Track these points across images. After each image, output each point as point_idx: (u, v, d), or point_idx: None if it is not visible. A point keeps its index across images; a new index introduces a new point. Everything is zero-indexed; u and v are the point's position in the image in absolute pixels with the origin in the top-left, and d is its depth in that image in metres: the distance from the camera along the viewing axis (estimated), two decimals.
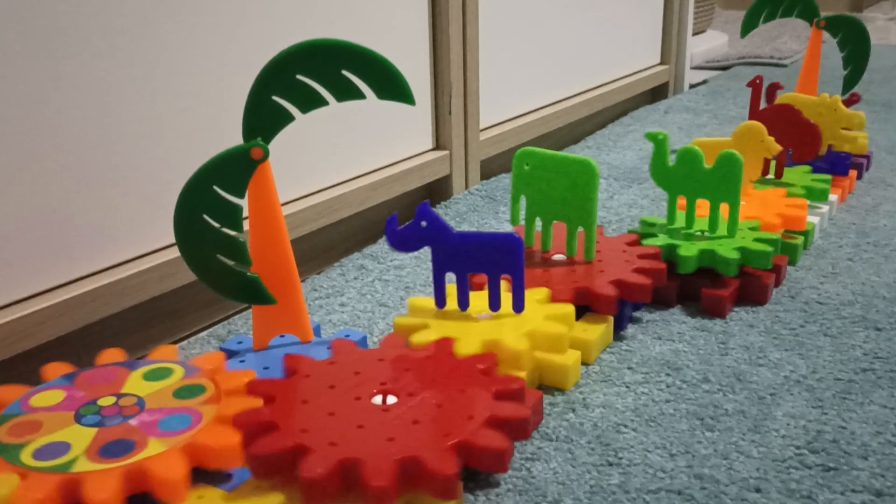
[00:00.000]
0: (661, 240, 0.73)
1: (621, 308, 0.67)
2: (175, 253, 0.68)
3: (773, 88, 1.03)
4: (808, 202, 0.86)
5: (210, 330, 0.71)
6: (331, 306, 0.74)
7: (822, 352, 0.64)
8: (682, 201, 0.84)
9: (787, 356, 0.63)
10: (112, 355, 0.56)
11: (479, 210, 0.98)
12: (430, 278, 0.79)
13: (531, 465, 0.51)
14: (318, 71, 0.53)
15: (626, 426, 0.55)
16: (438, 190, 1.03)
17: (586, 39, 1.35)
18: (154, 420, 0.48)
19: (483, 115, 1.09)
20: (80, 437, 0.46)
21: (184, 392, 0.51)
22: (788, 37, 2.26)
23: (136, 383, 0.52)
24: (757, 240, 0.73)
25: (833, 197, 0.92)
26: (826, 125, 1.00)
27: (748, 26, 1.13)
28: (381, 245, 0.88)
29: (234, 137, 0.54)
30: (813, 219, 0.85)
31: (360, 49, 0.53)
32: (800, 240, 0.80)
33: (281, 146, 0.60)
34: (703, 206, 0.77)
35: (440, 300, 0.62)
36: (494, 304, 0.61)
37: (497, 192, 1.03)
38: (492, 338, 0.57)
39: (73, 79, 0.61)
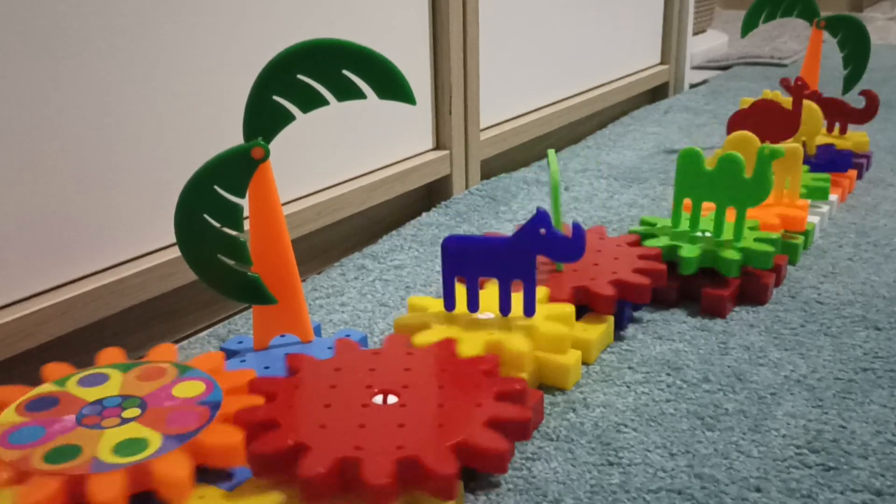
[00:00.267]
0: (663, 240, 0.73)
1: (621, 308, 0.67)
2: (175, 252, 0.68)
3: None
4: (809, 202, 0.86)
5: (210, 330, 0.71)
6: (331, 306, 0.74)
7: (822, 351, 0.64)
8: (687, 202, 0.84)
9: (787, 356, 0.63)
10: (111, 355, 0.56)
11: (480, 210, 0.98)
12: (430, 278, 0.79)
13: (532, 465, 0.51)
14: (318, 71, 0.53)
15: (626, 426, 0.55)
16: (438, 190, 1.03)
17: (586, 39, 1.35)
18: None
19: (483, 115, 1.09)
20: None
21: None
22: (788, 37, 2.26)
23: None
24: (757, 239, 0.73)
25: (833, 196, 0.92)
26: (816, 127, 1.00)
27: (748, 26, 1.13)
28: (381, 245, 0.88)
29: (234, 137, 0.54)
30: (813, 218, 0.85)
31: (361, 49, 0.53)
32: (800, 239, 0.80)
33: (281, 146, 0.60)
34: (707, 208, 0.77)
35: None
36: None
37: (497, 192, 1.03)
38: (494, 338, 0.57)
39: (73, 79, 0.61)
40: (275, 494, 0.45)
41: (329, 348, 0.59)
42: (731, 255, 0.70)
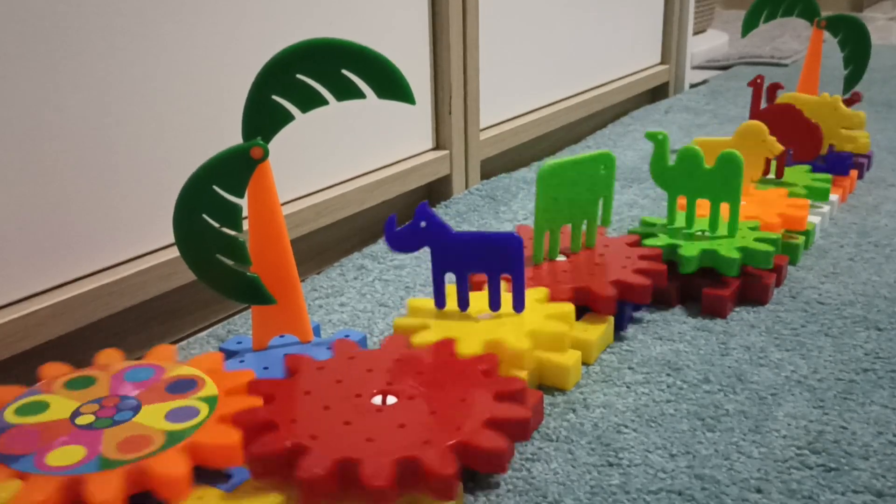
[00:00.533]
0: (662, 240, 0.73)
1: (622, 308, 0.66)
2: (175, 253, 0.68)
3: (774, 88, 1.03)
4: (809, 202, 0.86)
5: (210, 330, 0.71)
6: (330, 306, 0.74)
7: (823, 352, 0.64)
8: (682, 201, 0.84)
9: (788, 356, 0.63)
10: (109, 356, 0.56)
11: (480, 210, 0.98)
12: (430, 278, 0.79)
13: (531, 466, 0.51)
14: (317, 70, 0.53)
15: (626, 426, 0.55)
16: (438, 190, 1.03)
17: (586, 39, 1.35)
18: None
19: (483, 115, 1.09)
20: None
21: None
22: (789, 36, 2.26)
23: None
24: (757, 239, 0.73)
25: (834, 197, 0.92)
26: (827, 125, 1.00)
27: (749, 26, 1.13)
28: (381, 245, 0.88)
29: (233, 137, 0.54)
30: (814, 218, 0.85)
31: (360, 48, 0.52)
32: (801, 240, 0.80)
33: (281, 146, 0.60)
34: (702, 206, 0.77)
35: (440, 300, 0.62)
36: (495, 303, 0.61)
37: (497, 192, 1.03)
38: (493, 338, 0.57)
39: (72, 79, 0.61)
40: (274, 495, 0.45)
41: (328, 349, 0.59)
42: (731, 254, 0.70)
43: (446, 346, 0.56)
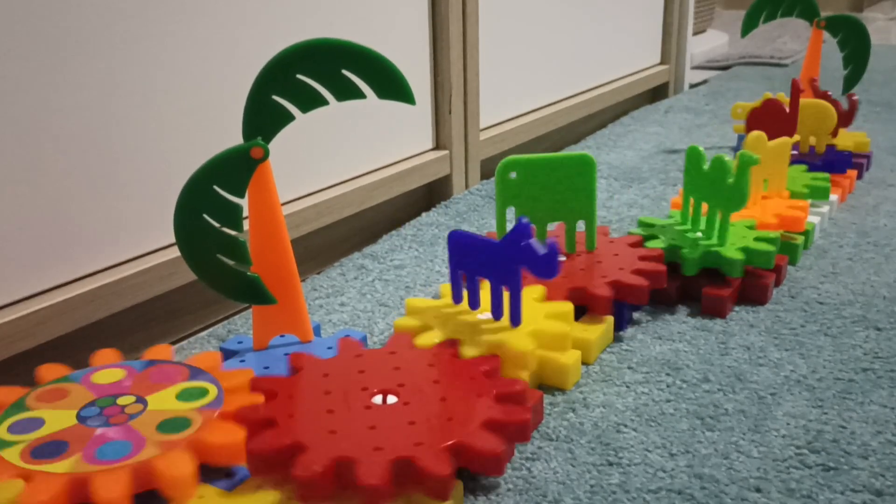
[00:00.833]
0: (665, 241, 0.73)
1: (621, 308, 0.67)
2: (175, 253, 0.68)
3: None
4: (809, 202, 0.86)
5: (210, 330, 0.71)
6: (331, 306, 0.74)
7: (822, 351, 0.64)
8: (678, 200, 0.84)
9: (787, 356, 0.63)
10: (106, 356, 0.56)
11: (479, 210, 0.98)
12: (430, 278, 0.79)
13: (531, 465, 0.51)
14: (318, 70, 0.53)
15: (626, 426, 0.55)
16: (438, 190, 1.03)
17: (586, 39, 1.35)
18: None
19: (483, 115, 1.09)
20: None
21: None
22: (789, 37, 2.26)
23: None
24: (757, 239, 0.73)
25: (833, 197, 0.92)
26: (820, 126, 1.00)
27: (748, 26, 1.13)
28: (381, 245, 0.88)
29: (234, 137, 0.54)
30: (813, 218, 0.85)
31: (361, 48, 0.52)
32: (800, 240, 0.80)
33: (281, 146, 0.60)
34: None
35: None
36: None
37: None
38: (496, 339, 0.57)
39: (73, 78, 0.61)
40: (271, 493, 0.45)
41: (329, 348, 0.59)
42: (734, 254, 0.70)
43: (449, 346, 0.56)
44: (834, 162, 0.97)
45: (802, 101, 0.99)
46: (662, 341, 0.66)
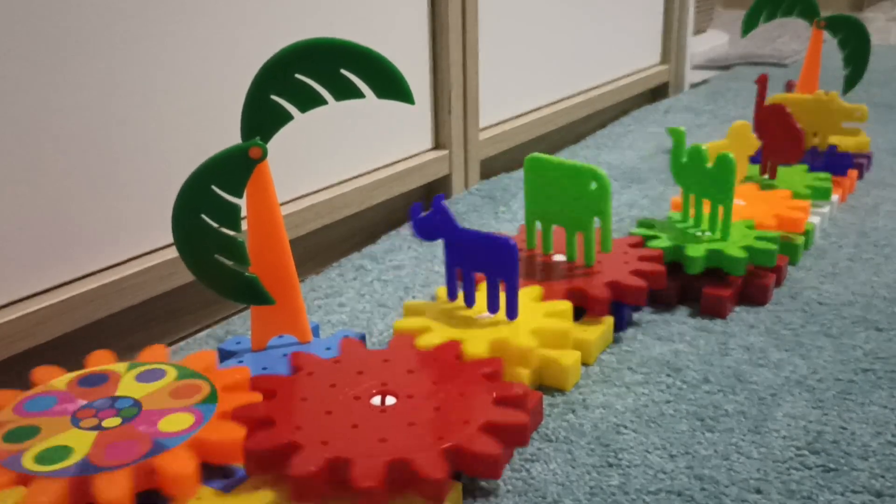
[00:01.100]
0: (667, 240, 0.73)
1: (621, 309, 0.66)
2: (174, 253, 0.68)
3: (790, 86, 1.04)
4: (810, 202, 0.86)
5: (209, 330, 0.71)
6: (329, 306, 0.74)
7: (822, 352, 0.64)
8: (678, 199, 0.84)
9: (787, 357, 0.63)
10: (101, 357, 0.55)
11: (479, 210, 0.98)
12: (429, 279, 0.79)
13: (531, 467, 0.51)
14: (316, 70, 0.53)
15: (625, 427, 0.55)
16: (438, 190, 1.03)
17: (586, 39, 1.35)
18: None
19: (483, 115, 1.09)
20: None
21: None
22: (789, 37, 2.26)
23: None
24: (758, 238, 0.73)
25: (834, 197, 0.92)
26: (825, 123, 1.00)
27: (749, 26, 1.13)
28: (380, 245, 0.88)
29: (233, 137, 0.54)
30: (813, 219, 0.85)
31: (360, 48, 0.52)
32: (800, 240, 0.80)
33: (279, 146, 0.60)
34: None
35: (451, 292, 0.63)
36: (492, 305, 0.61)
37: (497, 192, 1.03)
38: (498, 337, 0.57)
39: (72, 78, 0.61)
40: (267, 493, 0.45)
41: (328, 349, 0.59)
42: (738, 253, 0.70)
43: (451, 347, 0.56)
44: (834, 163, 0.97)
45: (801, 97, 0.99)
46: (662, 342, 0.66)
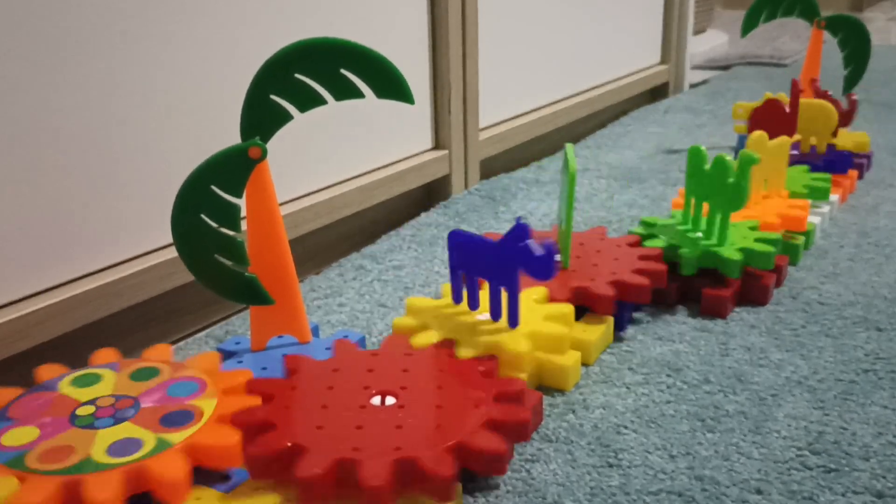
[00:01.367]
0: (664, 241, 0.73)
1: (621, 309, 0.66)
2: (174, 253, 0.68)
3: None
4: (809, 202, 0.85)
5: (208, 330, 0.71)
6: (329, 307, 0.73)
7: (823, 352, 0.63)
8: (679, 200, 0.84)
9: (788, 357, 0.63)
10: (105, 355, 0.56)
11: (479, 210, 0.98)
12: (429, 278, 0.79)
13: (531, 467, 0.51)
14: (316, 70, 0.53)
15: (626, 427, 0.55)
16: (438, 190, 1.03)
17: (586, 39, 1.35)
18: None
19: (482, 115, 1.09)
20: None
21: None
22: (789, 37, 2.26)
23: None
24: (758, 240, 0.72)
25: (834, 197, 0.92)
26: (821, 127, 1.00)
27: (748, 26, 1.13)
28: (380, 245, 0.87)
29: (232, 137, 0.54)
30: (814, 219, 0.85)
31: (359, 48, 0.52)
32: (801, 240, 0.80)
33: (279, 145, 0.60)
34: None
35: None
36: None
37: (496, 192, 1.03)
38: (492, 339, 0.57)
39: (72, 78, 0.61)
40: (271, 496, 0.45)
41: (327, 349, 0.59)
42: (732, 255, 0.70)
43: (446, 347, 0.56)
44: (835, 162, 0.97)
45: (803, 101, 0.99)
46: (663, 342, 0.66)
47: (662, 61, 1.65)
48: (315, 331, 0.63)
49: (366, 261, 0.83)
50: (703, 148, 0.74)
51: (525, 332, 0.58)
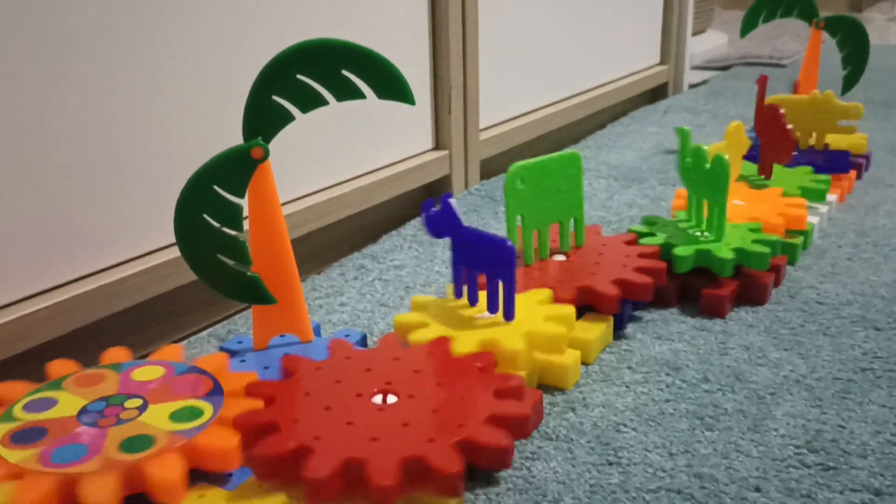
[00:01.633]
0: (659, 239, 0.73)
1: (622, 307, 0.67)
2: (175, 253, 0.68)
3: (796, 86, 1.05)
4: (807, 202, 0.86)
5: (210, 329, 0.71)
6: (331, 306, 0.74)
7: (821, 351, 0.64)
8: (679, 202, 0.84)
9: (786, 356, 0.63)
10: (117, 354, 0.56)
11: (479, 210, 0.98)
12: (430, 278, 0.79)
13: (531, 465, 0.51)
14: (318, 71, 0.53)
15: (625, 426, 0.55)
16: (438, 190, 1.03)
17: (586, 39, 1.35)
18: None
19: (483, 115, 1.09)
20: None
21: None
22: (788, 37, 2.26)
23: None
24: (756, 241, 0.73)
25: (832, 197, 0.92)
26: (821, 123, 1.00)
27: (748, 26, 1.13)
28: (381, 245, 0.88)
29: (234, 137, 0.55)
30: (812, 219, 0.85)
31: (360, 49, 0.53)
32: (799, 240, 0.80)
33: (281, 146, 0.60)
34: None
35: (457, 290, 0.63)
36: (492, 305, 0.61)
37: (497, 193, 1.03)
38: (489, 337, 0.57)
39: (73, 78, 0.61)
40: (276, 496, 0.45)
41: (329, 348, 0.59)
42: (725, 254, 0.70)
43: (441, 344, 0.56)
44: (834, 161, 0.97)
45: (798, 98, 0.99)
46: (662, 341, 0.66)
47: (662, 62, 1.65)
48: (317, 330, 0.64)
49: (367, 260, 0.84)
50: (704, 147, 0.74)
51: (522, 331, 0.58)
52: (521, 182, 0.69)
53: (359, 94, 0.54)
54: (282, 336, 0.61)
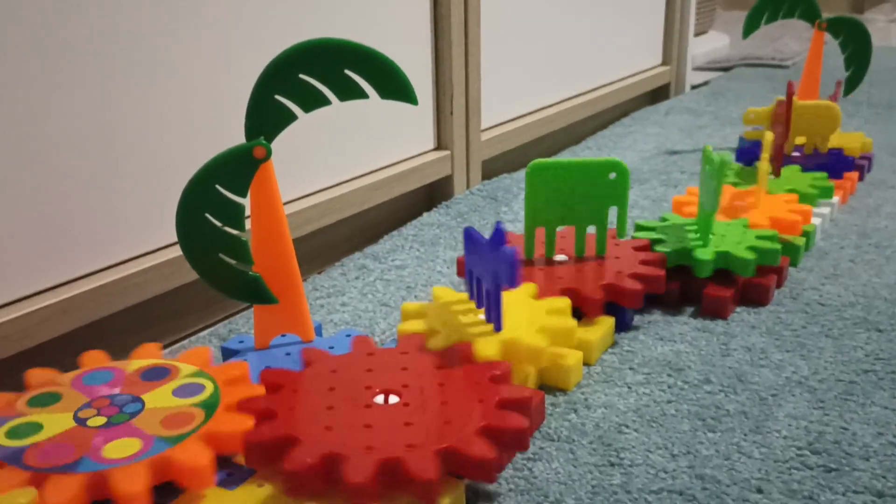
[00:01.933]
0: (671, 245, 0.72)
1: (622, 309, 0.66)
2: (176, 252, 0.68)
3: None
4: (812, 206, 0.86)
5: (211, 329, 0.71)
6: (332, 306, 0.74)
7: (823, 353, 0.64)
8: (681, 199, 0.84)
9: (788, 357, 0.63)
10: (94, 358, 0.55)
11: (481, 210, 0.98)
12: (431, 278, 0.79)
13: (533, 466, 0.51)
14: (320, 70, 0.53)
15: (627, 426, 0.55)
16: (439, 190, 1.03)
17: (588, 40, 1.35)
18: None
19: (484, 116, 1.09)
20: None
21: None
22: (790, 38, 2.26)
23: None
24: (759, 237, 0.73)
25: (834, 198, 0.92)
26: (826, 128, 1.00)
27: (750, 27, 1.13)
28: (382, 245, 0.88)
29: (236, 137, 0.54)
30: (815, 220, 0.85)
31: (363, 48, 0.53)
32: (801, 241, 0.80)
33: (283, 145, 0.60)
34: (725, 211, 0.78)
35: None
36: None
37: (498, 193, 1.03)
38: (509, 336, 0.57)
39: (73, 78, 0.61)
40: (264, 487, 0.45)
41: (330, 347, 0.59)
42: (746, 254, 0.70)
43: (463, 349, 0.55)
44: (836, 164, 0.97)
45: (806, 102, 0.99)
46: (664, 342, 0.66)
47: (664, 62, 1.65)
48: (318, 330, 0.64)
49: (368, 260, 0.84)
50: (707, 147, 0.74)
51: (536, 327, 0.58)
52: (540, 178, 0.69)
53: (361, 94, 0.54)
54: (283, 336, 0.61)
